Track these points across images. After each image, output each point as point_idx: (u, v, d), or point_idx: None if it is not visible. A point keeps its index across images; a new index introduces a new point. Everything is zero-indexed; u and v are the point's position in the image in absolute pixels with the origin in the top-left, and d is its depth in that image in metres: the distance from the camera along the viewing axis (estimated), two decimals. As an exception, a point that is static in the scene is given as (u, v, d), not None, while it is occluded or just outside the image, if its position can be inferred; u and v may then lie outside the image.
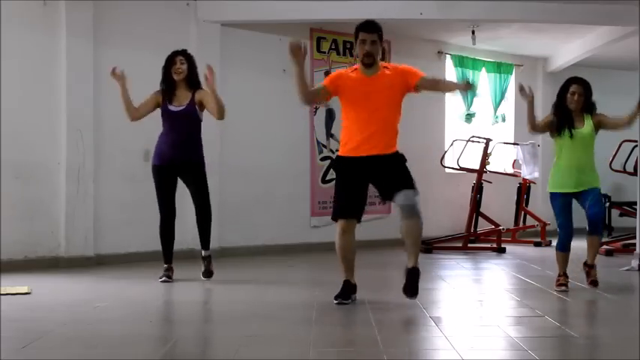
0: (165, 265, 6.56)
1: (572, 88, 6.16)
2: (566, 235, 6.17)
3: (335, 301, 5.35)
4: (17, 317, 4.87)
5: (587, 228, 6.17)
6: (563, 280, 6.15)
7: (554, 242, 6.45)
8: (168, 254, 6.58)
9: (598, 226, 6.17)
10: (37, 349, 4.06)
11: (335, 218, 5.45)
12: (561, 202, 6.16)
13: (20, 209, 7.20)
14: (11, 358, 3.86)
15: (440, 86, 5.79)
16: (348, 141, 5.41)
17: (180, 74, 6.42)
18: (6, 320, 4.70)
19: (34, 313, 5.07)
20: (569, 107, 6.14)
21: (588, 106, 6.19)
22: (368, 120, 5.31)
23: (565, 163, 6.16)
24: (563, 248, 6.21)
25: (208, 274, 6.57)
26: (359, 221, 5.45)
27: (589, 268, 6.28)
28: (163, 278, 6.45)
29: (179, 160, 6.44)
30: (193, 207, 6.60)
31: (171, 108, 6.43)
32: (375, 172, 5.35)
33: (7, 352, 3.93)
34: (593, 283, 6.20)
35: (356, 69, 5.46)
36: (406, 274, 5.32)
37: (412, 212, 5.23)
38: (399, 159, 5.39)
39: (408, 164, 5.41)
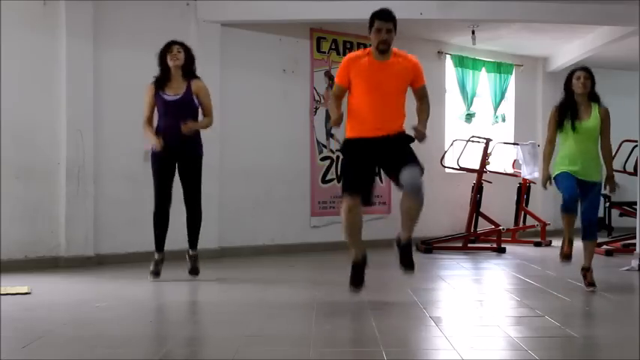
0: (156, 255, 6.50)
1: (577, 73, 6.14)
2: (570, 196, 5.88)
3: (352, 288, 5.38)
4: (17, 317, 4.87)
5: (582, 233, 6.17)
6: (567, 250, 6.02)
7: (555, 242, 6.43)
8: (160, 241, 6.50)
9: (591, 232, 6.13)
10: (37, 349, 4.06)
11: (344, 192, 5.39)
12: (567, 177, 6.00)
13: (20, 209, 7.21)
14: (11, 358, 3.86)
15: (419, 112, 5.70)
16: (357, 124, 5.43)
17: (176, 61, 6.34)
18: (6, 320, 4.70)
19: (34, 313, 5.07)
20: (577, 92, 6.09)
21: (594, 95, 6.16)
22: (378, 104, 5.36)
23: (569, 153, 6.08)
24: (567, 209, 5.93)
25: (195, 271, 6.53)
26: (369, 203, 5.43)
27: (585, 271, 6.23)
28: (151, 278, 6.42)
29: (177, 149, 6.35)
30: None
31: (167, 97, 6.34)
32: (382, 152, 5.37)
33: (7, 352, 3.93)
34: (590, 284, 6.16)
35: (369, 53, 5.49)
36: (400, 248, 5.48)
37: (417, 193, 5.26)
38: (405, 138, 5.44)
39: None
